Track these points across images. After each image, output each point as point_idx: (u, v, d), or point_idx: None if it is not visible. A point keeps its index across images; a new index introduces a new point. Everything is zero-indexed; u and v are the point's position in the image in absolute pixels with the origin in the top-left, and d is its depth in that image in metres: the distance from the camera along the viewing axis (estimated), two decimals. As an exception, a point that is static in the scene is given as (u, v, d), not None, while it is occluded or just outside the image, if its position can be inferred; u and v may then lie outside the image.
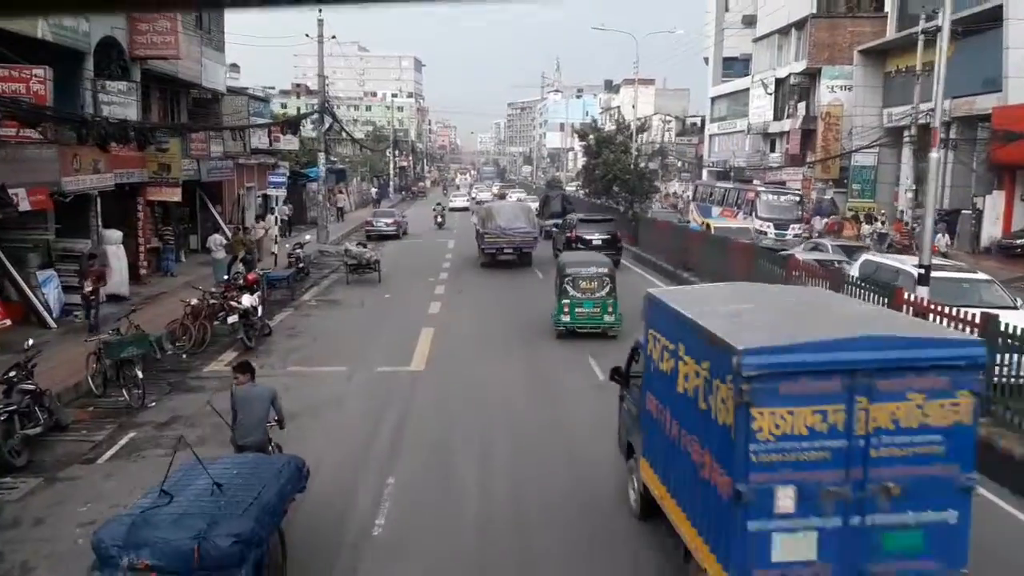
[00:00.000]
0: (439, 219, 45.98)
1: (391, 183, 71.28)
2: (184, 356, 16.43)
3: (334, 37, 32.96)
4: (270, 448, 9.08)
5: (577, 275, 16.82)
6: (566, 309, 16.77)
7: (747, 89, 57.82)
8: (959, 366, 5.80)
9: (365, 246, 26.60)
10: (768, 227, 30.63)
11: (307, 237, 28.89)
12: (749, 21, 62.65)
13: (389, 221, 38.84)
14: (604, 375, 11.57)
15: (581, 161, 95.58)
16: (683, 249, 25.16)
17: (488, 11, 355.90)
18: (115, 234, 20.24)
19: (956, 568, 5.94)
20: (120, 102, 19.53)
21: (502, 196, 50.17)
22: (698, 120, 74.17)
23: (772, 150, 54.24)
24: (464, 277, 26.95)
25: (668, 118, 65.73)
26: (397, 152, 78.80)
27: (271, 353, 16.74)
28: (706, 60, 69.36)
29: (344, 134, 51.67)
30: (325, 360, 16.03)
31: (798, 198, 32.75)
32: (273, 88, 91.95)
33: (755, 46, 56.61)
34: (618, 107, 72.78)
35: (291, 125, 30.34)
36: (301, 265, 26.37)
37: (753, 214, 31.43)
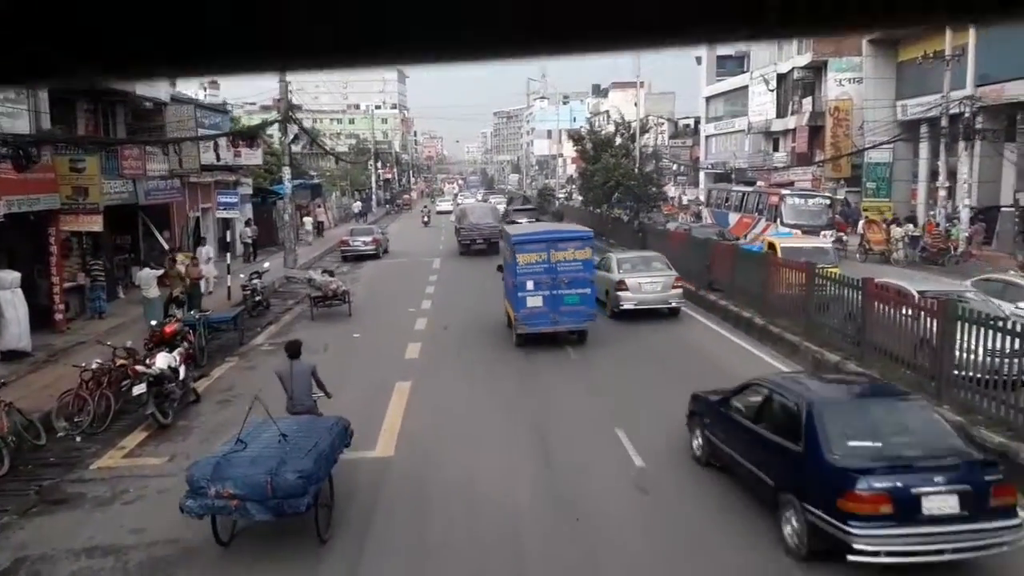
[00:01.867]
0: (425, 219, 55.84)
1: (373, 197, 66.84)
2: (78, 439, 12.11)
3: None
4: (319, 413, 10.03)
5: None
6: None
7: (745, 87, 53.88)
8: (584, 238, 17.03)
9: (332, 274, 22.29)
10: (796, 233, 26.47)
11: (266, 265, 24.48)
12: (743, 16, 58.82)
13: (367, 240, 34.47)
14: (643, 461, 10.27)
15: (571, 168, 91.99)
16: (707, 266, 20.91)
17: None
18: (8, 276, 15.89)
19: (590, 312, 16.59)
20: (6, 112, 15.18)
21: (485, 201, 55.53)
22: (691, 121, 70.20)
23: (775, 149, 50.26)
24: (451, 306, 22.65)
25: (661, 120, 61.65)
26: (380, 164, 74.42)
27: (189, 433, 12.38)
28: (698, 59, 65.42)
29: (313, 145, 47.43)
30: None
31: (828, 201, 28.64)
32: (254, 104, 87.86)
33: (754, 41, 52.57)
34: (607, 111, 68.83)
35: (246, 136, 26.04)
36: (258, 299, 22.06)
37: (777, 220, 27.28)
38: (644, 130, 37.56)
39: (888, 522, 6.79)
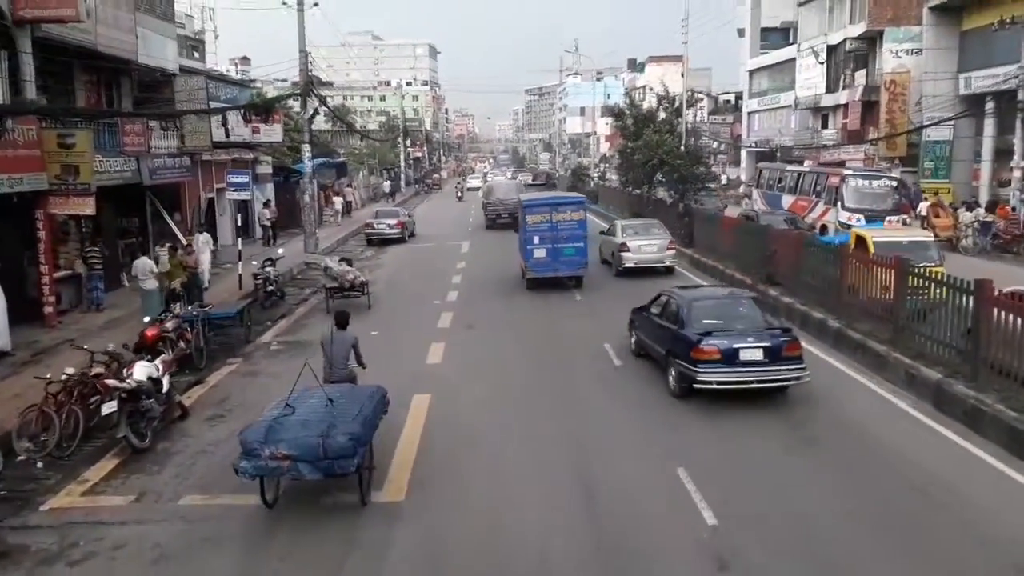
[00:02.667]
0: (459, 195, 60.00)
1: (402, 176, 64.66)
2: (40, 464, 10.21)
3: (316, 4, 26.45)
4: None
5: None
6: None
7: (792, 60, 50.64)
8: (579, 202, 21.90)
9: (351, 263, 20.20)
10: (858, 220, 23.83)
11: (280, 251, 22.46)
12: (790, -14, 55.48)
13: (392, 223, 32.39)
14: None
15: (605, 147, 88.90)
16: (767, 257, 18.47)
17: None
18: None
19: (583, 261, 20.89)
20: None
21: (513, 178, 58.49)
22: (731, 97, 66.92)
23: (824, 126, 47.16)
24: (479, 301, 20.43)
25: (701, 95, 58.62)
26: (409, 142, 72.15)
27: (167, 460, 10.35)
28: (740, 32, 62.12)
29: (341, 122, 45.37)
30: (247, 483, 9.64)
31: (895, 182, 25.81)
32: (285, 81, 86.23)
33: (802, 11, 49.35)
34: (644, 86, 65.77)
35: (261, 111, 23.98)
36: (271, 288, 20.10)
37: (838, 203, 24.59)
38: (691, 103, 34.82)
39: (718, 365, 11.19)
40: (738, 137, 59.34)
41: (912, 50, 39.95)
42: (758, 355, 11.19)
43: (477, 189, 58.66)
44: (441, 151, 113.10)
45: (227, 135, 23.86)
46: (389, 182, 58.99)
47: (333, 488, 8.91)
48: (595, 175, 59.82)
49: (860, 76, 42.82)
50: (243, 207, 29.84)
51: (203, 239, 20.07)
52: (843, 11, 44.47)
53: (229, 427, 11.47)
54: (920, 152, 38.03)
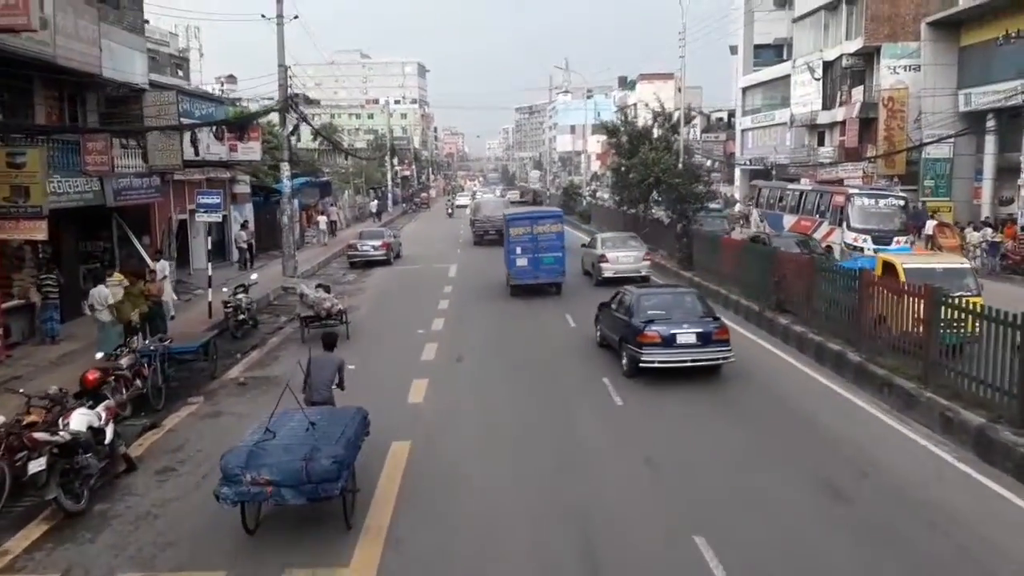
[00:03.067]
0: (449, 211, 62.57)
1: (390, 194, 63.37)
2: (-48, 533, 8.82)
3: (296, 17, 25.30)
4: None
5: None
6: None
7: (786, 76, 49.92)
8: (557, 216, 24.12)
9: (328, 289, 18.88)
10: (864, 240, 22.73)
11: (253, 277, 21.06)
12: (782, 2, 54.81)
13: (377, 244, 31.04)
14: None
15: (596, 165, 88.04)
16: (775, 283, 17.25)
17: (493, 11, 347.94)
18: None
19: (561, 270, 22.74)
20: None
21: (502, 196, 58.83)
22: (723, 115, 66.20)
23: (821, 143, 46.29)
24: (467, 328, 19.19)
25: (693, 112, 57.75)
26: (396, 160, 70.95)
27: (103, 526, 8.92)
28: (733, 49, 61.42)
29: (327, 140, 44.21)
30: (193, 555, 8.27)
31: (903, 201, 24.75)
32: (271, 99, 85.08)
33: (796, 27, 48.66)
34: (635, 104, 64.92)
35: (236, 127, 22.62)
36: (242, 317, 18.75)
37: (844, 223, 23.48)
38: (688, 119, 33.76)
39: (659, 347, 13.32)
40: (731, 155, 58.51)
41: (910, 66, 39.19)
42: (692, 339, 13.43)
43: (466, 206, 59.41)
44: (430, 170, 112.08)
45: (196, 153, 22.52)
46: (376, 201, 57.72)
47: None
48: (587, 194, 58.71)
49: (857, 93, 42.01)
50: (219, 228, 28.52)
51: (161, 267, 18.63)
52: (839, 27, 43.75)
53: (181, 483, 10.11)
54: (920, 170, 37.15)
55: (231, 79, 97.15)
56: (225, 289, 19.76)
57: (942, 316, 11.25)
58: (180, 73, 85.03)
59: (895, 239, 23.34)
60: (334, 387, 10.30)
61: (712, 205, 29.59)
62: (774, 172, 47.16)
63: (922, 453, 10.32)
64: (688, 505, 8.91)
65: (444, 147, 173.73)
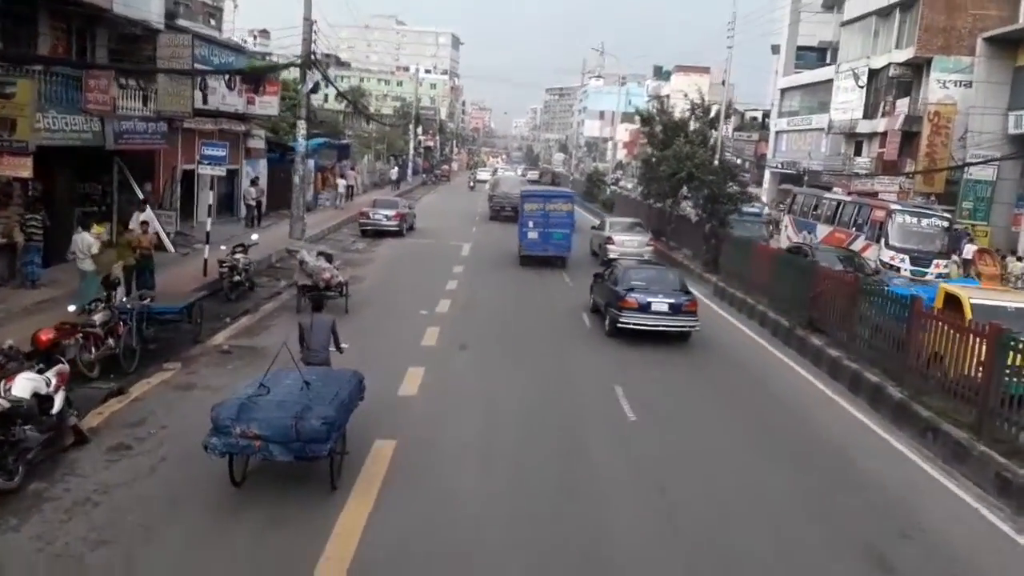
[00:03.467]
0: (471, 183, 63.66)
1: (410, 164, 61.90)
2: None
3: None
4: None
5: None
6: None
7: (828, 81, 47.92)
8: (568, 196, 26.30)
9: (331, 258, 17.61)
10: (902, 260, 21.26)
11: (254, 237, 19.77)
12: (831, 4, 52.72)
13: (390, 214, 29.72)
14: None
15: (623, 153, 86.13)
16: (809, 298, 15.86)
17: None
18: None
19: (568, 245, 24.41)
20: None
21: (523, 175, 62.63)
22: (758, 114, 64.28)
23: (858, 153, 44.47)
24: (473, 313, 17.90)
25: (736, 109, 55.99)
26: (421, 130, 69.39)
27: (30, 515, 7.61)
28: (775, 48, 59.40)
29: (338, 98, 42.73)
30: (128, 561, 7.06)
31: (946, 223, 23.20)
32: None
33: (844, 31, 46.69)
34: (668, 95, 63.08)
35: (251, 78, 21.29)
36: (238, 278, 17.54)
37: (882, 240, 21.98)
38: (728, 114, 32.14)
39: (636, 312, 15.44)
40: (762, 156, 56.70)
41: (960, 82, 37.35)
42: (665, 308, 15.49)
43: (486, 182, 59.13)
44: (455, 142, 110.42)
45: (204, 100, 21.19)
46: (396, 169, 56.35)
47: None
48: (610, 181, 57.09)
49: (902, 104, 40.15)
50: (228, 182, 27.29)
51: (141, 217, 17.32)
52: (890, 35, 41.78)
53: (133, 465, 8.93)
54: (960, 190, 35.42)
55: (264, 33, 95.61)
56: (223, 247, 18.54)
57: (1008, 361, 9.85)
58: (212, 23, 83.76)
59: (935, 262, 21.83)
60: (332, 349, 10.26)
61: (750, 208, 27.68)
62: (806, 178, 45.41)
63: (973, 518, 8.99)
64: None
65: (471, 121, 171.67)
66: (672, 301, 15.45)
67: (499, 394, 12.20)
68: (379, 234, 29.39)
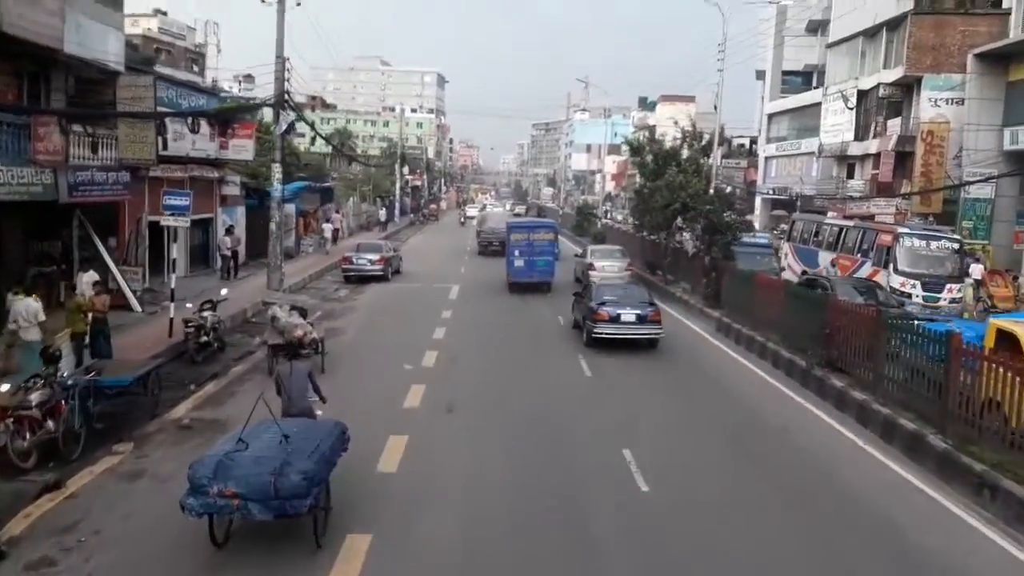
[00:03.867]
0: (462, 220, 66.24)
1: (397, 204, 60.70)
2: None
3: (299, 4, 22.64)
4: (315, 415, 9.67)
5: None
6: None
7: (816, 104, 47.23)
8: (551, 227, 28.51)
9: (305, 313, 16.15)
10: (913, 286, 19.95)
11: (224, 292, 18.21)
12: (815, 28, 52.24)
13: (374, 258, 28.32)
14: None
15: (611, 185, 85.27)
16: (825, 335, 14.46)
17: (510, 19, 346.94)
18: None
19: (551, 272, 26.65)
20: None
21: (511, 210, 64.18)
22: (745, 141, 63.56)
23: (850, 176, 43.52)
24: (462, 368, 16.37)
25: (731, 136, 55.15)
26: (407, 169, 68.33)
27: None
28: (759, 74, 58.84)
29: (341, 145, 41.65)
30: None
31: (957, 245, 21.92)
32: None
33: (830, 53, 46.02)
34: (654, 125, 62.31)
35: (219, 119, 19.91)
36: (205, 339, 16.07)
37: (890, 266, 20.67)
38: (722, 141, 31.02)
39: (608, 323, 17.47)
40: (752, 183, 55.74)
41: (952, 99, 36.49)
42: (632, 318, 17.52)
43: (475, 217, 59.96)
44: (443, 180, 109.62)
45: (164, 146, 19.84)
46: (384, 210, 55.14)
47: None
48: (601, 214, 55.90)
49: (894, 124, 39.27)
50: (203, 233, 25.92)
51: (87, 279, 15.76)
52: (877, 55, 41.03)
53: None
54: (959, 209, 34.35)
55: (249, 78, 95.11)
56: (189, 305, 17.06)
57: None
58: (195, 68, 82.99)
59: (947, 286, 20.50)
60: (314, 399, 9.98)
61: (753, 239, 26.09)
62: (798, 203, 44.40)
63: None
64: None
65: (459, 159, 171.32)
66: (639, 312, 17.60)
67: (489, 470, 10.65)
68: (363, 279, 27.98)
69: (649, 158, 26.92)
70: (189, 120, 19.97)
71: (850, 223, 25.43)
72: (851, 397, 13.04)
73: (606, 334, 17.20)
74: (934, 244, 21.33)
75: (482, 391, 14.56)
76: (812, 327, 15.11)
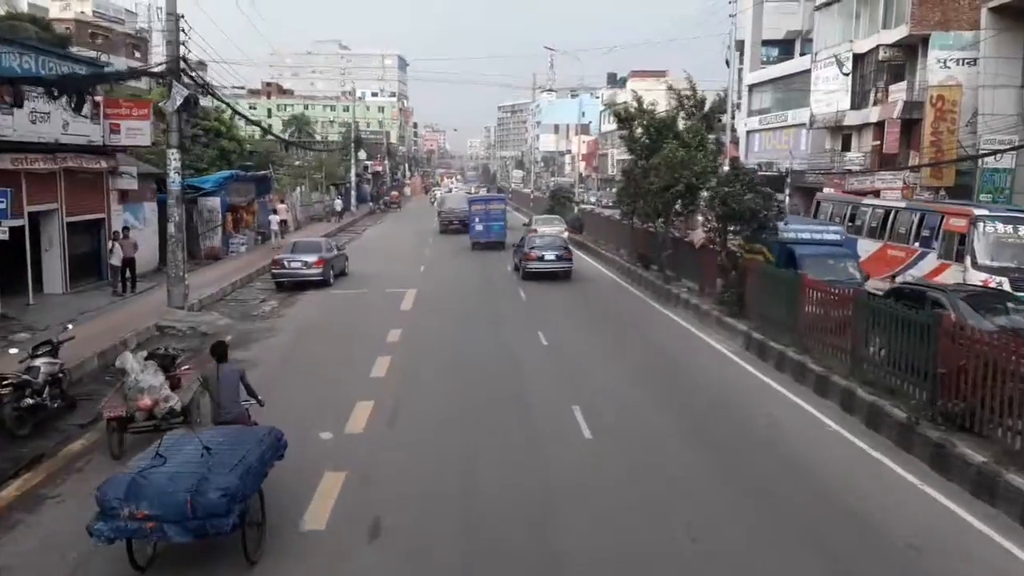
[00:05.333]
0: (432, 201, 63.88)
1: (353, 192, 54.94)
2: None
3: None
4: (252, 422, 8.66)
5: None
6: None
7: (803, 72, 42.60)
8: (502, 199, 40.18)
9: (174, 360, 10.93)
10: (999, 284, 15.17)
11: (69, 327, 12.77)
12: (797, -8, 47.49)
13: (311, 260, 22.70)
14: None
15: (582, 166, 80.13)
16: (935, 377, 9.52)
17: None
18: None
19: (503, 234, 34.76)
20: None
21: (471, 192, 65.01)
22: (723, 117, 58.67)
23: (846, 148, 38.96)
24: (407, 425, 11.27)
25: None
26: (366, 155, 62.52)
27: None
28: (738, 44, 53.95)
29: (294, 132, 36.08)
30: None
31: (1050, 226, 17.09)
32: (242, 88, 77.09)
33: (819, 15, 41.29)
34: (624, 103, 57.33)
35: (69, 89, 14.30)
36: (30, 401, 10.75)
37: (967, 258, 15.87)
38: (720, 109, 26.03)
39: (535, 262, 24.73)
40: (734, 159, 50.98)
41: (964, 60, 32.00)
42: (552, 258, 24.46)
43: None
44: (407, 166, 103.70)
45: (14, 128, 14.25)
46: (340, 199, 49.53)
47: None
48: (578, 199, 50.80)
49: (896, 90, 34.67)
50: (94, 238, 20.43)
51: None
52: (875, 15, 36.29)
53: None
54: (976, 182, 29.98)
55: (201, 65, 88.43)
56: (14, 351, 11.69)
57: None
58: (137, 55, 76.31)
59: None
60: (249, 402, 8.79)
61: (819, 231, 17.54)
62: (789, 179, 39.75)
63: None
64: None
65: (425, 143, 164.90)
66: (557, 254, 24.51)
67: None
68: (299, 285, 22.60)
69: (639, 131, 21.74)
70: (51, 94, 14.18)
71: (901, 204, 20.49)
72: (1004, 482, 8.12)
73: (534, 269, 24.03)
74: (1022, 229, 16.41)
75: (430, 455, 9.45)
76: (912, 360, 10.13)
